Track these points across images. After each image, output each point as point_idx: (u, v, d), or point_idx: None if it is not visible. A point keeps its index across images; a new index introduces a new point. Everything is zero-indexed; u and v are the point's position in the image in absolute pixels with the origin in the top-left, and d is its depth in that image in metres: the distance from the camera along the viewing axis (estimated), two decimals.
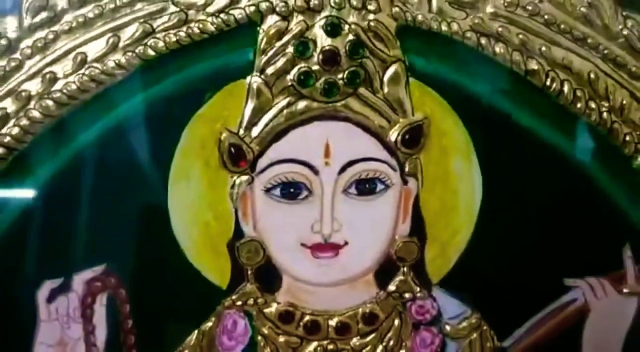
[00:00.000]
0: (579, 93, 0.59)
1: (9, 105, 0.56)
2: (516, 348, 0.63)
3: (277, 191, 0.57)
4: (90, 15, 0.56)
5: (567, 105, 0.60)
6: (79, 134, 0.58)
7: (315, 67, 0.57)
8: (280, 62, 0.56)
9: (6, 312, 0.58)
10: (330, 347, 0.61)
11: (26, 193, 0.57)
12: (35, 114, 0.55)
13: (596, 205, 0.62)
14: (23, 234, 0.58)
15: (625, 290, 0.63)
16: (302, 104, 0.57)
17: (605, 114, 0.59)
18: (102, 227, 0.59)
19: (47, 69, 0.56)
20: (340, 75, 0.57)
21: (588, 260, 0.62)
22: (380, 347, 0.61)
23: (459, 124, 0.59)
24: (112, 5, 0.56)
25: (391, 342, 0.62)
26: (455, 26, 0.58)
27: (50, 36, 0.55)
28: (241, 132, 0.57)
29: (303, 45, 0.56)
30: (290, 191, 0.57)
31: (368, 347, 0.61)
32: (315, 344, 0.61)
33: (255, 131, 0.57)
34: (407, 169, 0.58)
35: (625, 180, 0.61)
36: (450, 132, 0.59)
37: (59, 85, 0.56)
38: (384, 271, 0.60)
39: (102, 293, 0.60)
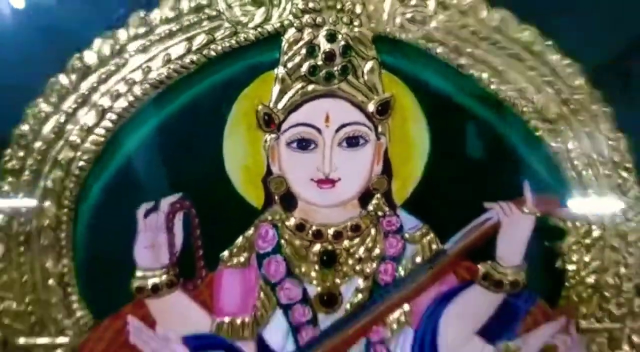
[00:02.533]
0: (492, 79, 0.86)
1: (121, 87, 0.83)
2: (452, 250, 0.90)
3: (295, 144, 0.85)
4: (173, 29, 0.82)
5: (485, 88, 0.88)
6: (166, 108, 0.86)
7: (320, 63, 0.84)
8: (297, 59, 0.84)
9: (122, 225, 0.87)
10: (329, 247, 0.88)
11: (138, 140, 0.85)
12: (138, 93, 0.83)
13: (505, 154, 0.88)
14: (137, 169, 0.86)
15: (525, 210, 0.90)
16: (310, 87, 0.84)
17: (509, 92, 0.87)
18: (182, 169, 0.86)
19: (145, 65, 0.83)
20: (335, 68, 0.84)
21: (500, 190, 0.90)
22: (362, 248, 0.89)
23: (414, 101, 0.86)
24: (187, 23, 0.83)
25: (370, 244, 0.89)
26: (410, 35, 0.85)
27: (147, 43, 0.82)
28: (271, 105, 0.84)
29: (311, 48, 0.84)
30: (303, 144, 0.85)
31: (354, 247, 0.89)
32: (319, 245, 0.88)
33: (280, 105, 0.84)
34: (380, 130, 0.86)
35: (519, 133, 0.89)
36: (408, 106, 0.86)
37: (153, 74, 0.83)
38: (365, 197, 0.88)
39: (180, 212, 0.87)
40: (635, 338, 0.92)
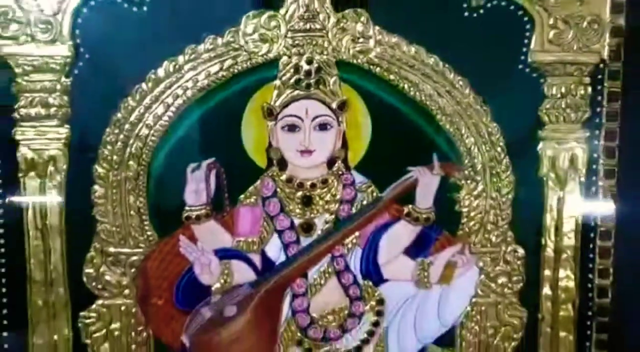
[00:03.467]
0: (411, 88, 1.29)
1: (179, 91, 1.27)
2: (386, 197, 1.31)
3: (286, 128, 1.29)
4: (211, 55, 1.26)
5: (407, 94, 1.30)
6: (204, 106, 1.29)
7: (302, 77, 1.28)
8: (288, 75, 1.28)
9: (177, 177, 1.31)
10: (307, 193, 1.31)
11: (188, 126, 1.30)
12: (189, 95, 1.27)
13: (420, 137, 1.32)
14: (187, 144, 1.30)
15: (434, 172, 1.31)
16: (296, 92, 1.28)
17: (422, 97, 1.32)
18: (215, 144, 1.31)
19: (194, 77, 1.26)
20: (312, 80, 1.28)
21: (417, 160, 1.34)
22: (329, 194, 1.32)
23: (361, 102, 1.31)
24: (220, 52, 1.27)
25: (333, 192, 1.32)
26: (359, 61, 1.28)
27: (195, 64, 1.26)
28: (272, 103, 1.29)
29: (297, 68, 1.28)
30: (291, 128, 1.29)
31: (323, 194, 1.31)
32: (301, 192, 1.31)
33: (277, 103, 1.28)
34: (340, 120, 1.30)
35: (430, 123, 1.33)
36: (357, 105, 1.31)
37: (198, 84, 1.27)
38: (330, 162, 1.32)
39: (213, 169, 1.30)
40: (508, 257, 1.38)
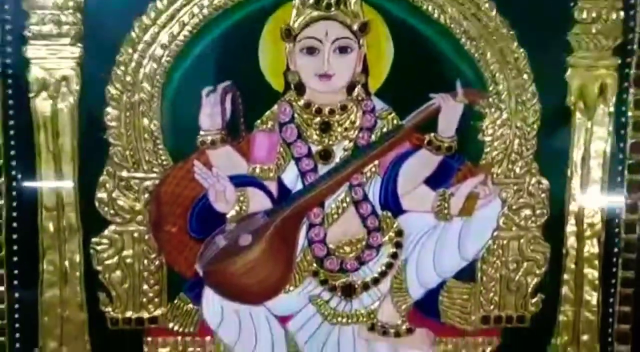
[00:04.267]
0: (435, 10, 1.26)
1: (195, 9, 1.23)
2: (408, 124, 1.28)
3: (305, 51, 1.25)
4: None
5: (430, 16, 1.27)
6: (222, 25, 1.25)
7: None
8: None
9: (192, 101, 1.28)
10: (325, 119, 1.28)
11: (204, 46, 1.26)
12: (205, 13, 1.24)
13: (444, 63, 1.28)
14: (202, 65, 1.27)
15: (457, 99, 1.29)
16: (315, 13, 1.24)
17: (447, 20, 1.28)
18: (232, 67, 1.27)
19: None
20: (332, 0, 1.25)
21: (441, 86, 1.30)
22: (348, 121, 1.29)
23: (383, 24, 1.26)
24: None
25: (352, 118, 1.29)
26: None
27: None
28: (290, 24, 1.26)
29: None
30: (310, 50, 1.25)
31: (342, 120, 1.29)
32: (319, 118, 1.28)
33: (296, 24, 1.24)
34: (360, 42, 1.26)
35: (454, 48, 1.30)
36: (380, 27, 1.26)
37: (215, 1, 1.26)
38: (350, 87, 1.28)
39: (229, 93, 1.27)
40: (532, 189, 1.34)
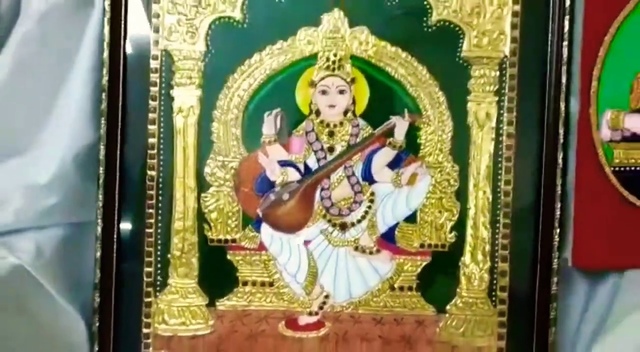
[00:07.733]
0: (396, 70, 2.21)
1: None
2: (377, 133, 1.86)
3: (320, 92, 1.88)
4: (277, 52, 2.26)
5: (390, 74, 2.25)
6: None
7: (331, 63, 1.89)
8: (322, 62, 1.86)
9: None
10: (331, 130, 1.89)
11: None
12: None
13: (395, 97, 2.16)
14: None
15: (405, 119, 1.84)
16: (327, 73, 1.87)
17: (402, 71, 2.24)
18: (281, 101, 2.01)
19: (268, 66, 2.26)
20: (336, 66, 1.91)
21: (395, 112, 2.16)
22: (344, 130, 1.91)
23: (364, 79, 1.99)
24: (282, 50, 2.26)
25: (346, 129, 2.04)
26: (363, 55, 2.23)
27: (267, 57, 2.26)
28: (313, 78, 1.87)
29: (327, 58, 1.85)
30: (324, 92, 1.89)
31: (341, 128, 1.94)
32: (327, 129, 1.89)
33: (316, 78, 1.86)
34: (351, 88, 2.02)
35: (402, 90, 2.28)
36: (361, 80, 1.98)
37: (275, 68, 2.27)
38: (345, 112, 2.00)
39: (279, 115, 1.88)
40: (448, 170, 2.28)
